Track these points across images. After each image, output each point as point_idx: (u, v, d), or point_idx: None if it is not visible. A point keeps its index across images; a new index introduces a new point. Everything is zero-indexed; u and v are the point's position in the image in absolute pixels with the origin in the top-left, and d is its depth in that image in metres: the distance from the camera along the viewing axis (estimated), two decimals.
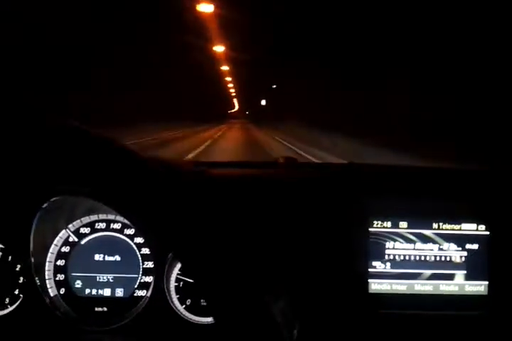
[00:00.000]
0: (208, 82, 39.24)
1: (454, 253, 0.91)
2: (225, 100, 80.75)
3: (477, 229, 0.92)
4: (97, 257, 0.91)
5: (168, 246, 0.54)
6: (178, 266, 0.88)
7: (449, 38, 5.81)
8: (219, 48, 26.45)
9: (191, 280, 0.76)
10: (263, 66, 27.17)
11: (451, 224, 0.92)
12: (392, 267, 0.91)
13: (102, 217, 0.92)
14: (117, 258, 0.91)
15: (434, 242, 0.91)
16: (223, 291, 0.53)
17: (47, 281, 0.88)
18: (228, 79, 53.43)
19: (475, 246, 0.92)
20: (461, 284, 0.91)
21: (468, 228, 0.92)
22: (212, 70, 37.61)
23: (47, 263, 0.89)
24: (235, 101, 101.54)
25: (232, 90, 73.80)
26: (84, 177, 0.53)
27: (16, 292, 0.87)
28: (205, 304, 0.86)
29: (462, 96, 5.62)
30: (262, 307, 0.53)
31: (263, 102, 52.03)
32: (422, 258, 0.91)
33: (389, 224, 0.91)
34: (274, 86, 36.46)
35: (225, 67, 40.20)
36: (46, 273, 0.88)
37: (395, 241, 0.91)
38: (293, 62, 19.34)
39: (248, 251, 0.84)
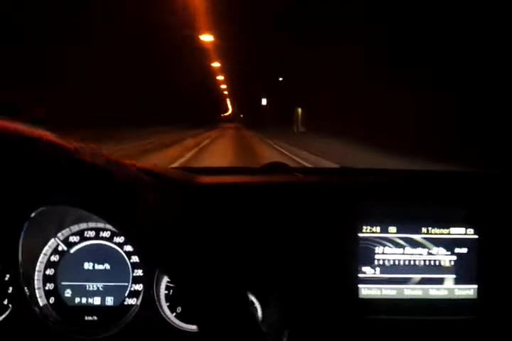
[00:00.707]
0: (188, 73, 29.38)
1: (443, 257, 0.92)
2: (215, 101, 70.97)
3: (466, 233, 0.93)
4: (87, 266, 0.90)
5: (154, 258, 0.54)
6: None
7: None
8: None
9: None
10: (264, 50, 20.68)
11: (439, 228, 0.93)
12: (381, 272, 0.91)
13: (91, 225, 0.92)
14: (107, 266, 0.90)
15: (423, 247, 0.92)
16: (209, 300, 0.53)
17: (36, 291, 0.88)
18: (216, 64, 39.43)
19: (464, 250, 0.92)
20: (450, 288, 0.91)
21: (457, 232, 0.93)
22: (196, 59, 28.78)
23: (36, 273, 0.88)
24: (228, 102, 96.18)
25: (223, 86, 63.03)
26: (70, 188, 0.53)
27: (5, 302, 0.87)
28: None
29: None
30: (248, 317, 0.53)
31: (264, 101, 41.35)
32: (412, 262, 0.91)
33: (378, 229, 0.92)
34: (281, 78, 28.26)
35: (209, 43, 27.59)
36: (35, 282, 0.88)
37: (384, 246, 0.91)
38: (308, 42, 14.84)
39: (237, 259, 0.84)
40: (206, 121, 44.61)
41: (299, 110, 24.69)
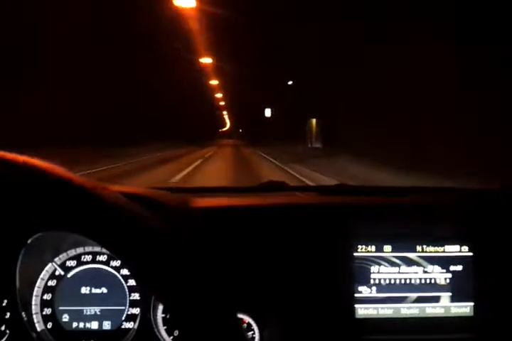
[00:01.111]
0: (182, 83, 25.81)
1: (439, 275, 0.92)
2: (210, 114, 61.21)
3: (460, 251, 0.93)
4: (84, 290, 0.91)
5: (149, 283, 0.54)
6: None
7: None
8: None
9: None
10: (269, 46, 15.79)
11: (434, 246, 0.93)
12: (378, 291, 0.91)
13: (87, 249, 0.92)
14: (104, 290, 0.91)
15: (419, 265, 0.92)
16: (203, 325, 0.54)
17: (34, 316, 0.88)
18: (207, 60, 27.14)
19: (459, 268, 0.93)
20: (446, 306, 0.92)
21: (452, 250, 0.93)
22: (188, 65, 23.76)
23: (33, 298, 0.89)
24: (225, 116, 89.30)
25: (218, 95, 52.99)
26: (65, 215, 0.54)
27: (3, 328, 0.87)
28: None
29: None
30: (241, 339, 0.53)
31: (267, 112, 34.09)
32: (407, 281, 0.92)
33: (373, 248, 0.92)
34: (290, 82, 22.43)
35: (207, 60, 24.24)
36: (33, 307, 0.88)
37: (379, 265, 0.92)
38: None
39: (233, 280, 0.85)
40: (199, 138, 39.43)
41: (314, 121, 20.10)
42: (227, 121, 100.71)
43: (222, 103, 63.82)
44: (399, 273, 0.92)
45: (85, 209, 0.53)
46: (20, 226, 0.82)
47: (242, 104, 43.92)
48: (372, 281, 0.91)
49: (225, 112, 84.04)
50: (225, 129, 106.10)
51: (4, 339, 0.86)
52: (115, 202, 0.57)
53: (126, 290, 0.90)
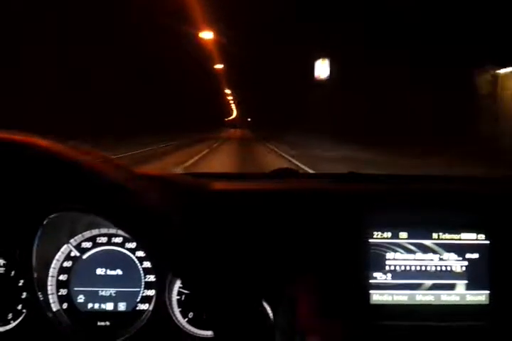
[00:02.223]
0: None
1: (455, 262, 0.92)
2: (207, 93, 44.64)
3: (477, 239, 0.93)
4: (99, 271, 0.91)
5: (168, 264, 0.54)
6: None
7: None
8: None
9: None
10: None
11: (450, 233, 0.93)
12: (393, 278, 0.91)
13: (103, 231, 0.92)
14: (119, 272, 0.91)
15: (435, 252, 0.92)
16: (223, 306, 0.54)
17: (49, 296, 0.88)
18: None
19: (475, 256, 0.92)
20: (462, 294, 0.91)
21: (468, 237, 0.93)
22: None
23: (49, 278, 0.89)
24: (231, 100, 76.52)
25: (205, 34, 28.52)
26: (81, 195, 0.53)
27: (19, 307, 0.87)
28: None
29: None
30: (261, 321, 0.53)
31: (322, 69, 21.27)
32: (423, 268, 0.91)
33: (389, 234, 0.92)
34: None
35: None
36: (49, 288, 0.89)
37: (395, 251, 0.91)
38: None
39: (250, 264, 0.85)
40: (200, 127, 32.26)
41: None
42: (234, 108, 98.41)
43: (219, 66, 40.41)
44: (414, 259, 0.91)
45: (100, 189, 0.53)
46: (36, 207, 0.82)
47: (258, 61, 23.58)
48: (387, 268, 0.91)
49: (228, 91, 67.33)
50: (231, 118, 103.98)
51: (21, 318, 0.87)
52: (131, 182, 0.57)
53: (142, 272, 0.91)
